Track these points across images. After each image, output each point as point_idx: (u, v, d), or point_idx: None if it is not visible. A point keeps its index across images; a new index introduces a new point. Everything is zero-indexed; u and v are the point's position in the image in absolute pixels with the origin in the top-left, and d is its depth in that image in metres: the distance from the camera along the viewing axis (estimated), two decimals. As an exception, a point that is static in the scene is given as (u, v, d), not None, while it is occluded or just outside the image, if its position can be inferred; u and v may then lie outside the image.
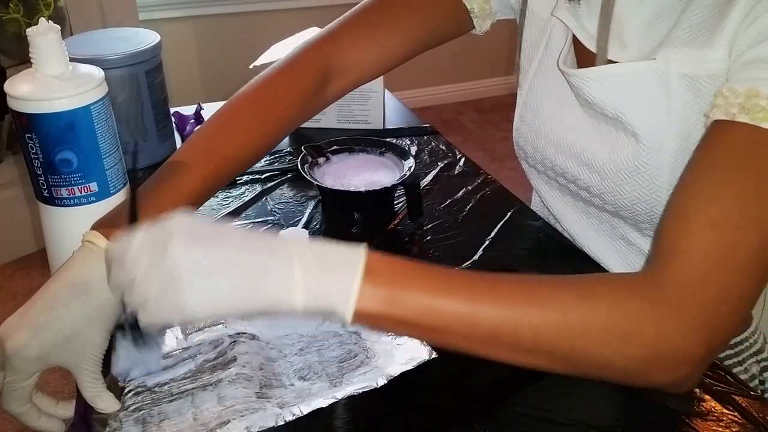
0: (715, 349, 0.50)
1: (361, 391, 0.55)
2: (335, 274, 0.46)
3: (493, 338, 0.47)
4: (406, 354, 0.58)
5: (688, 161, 0.54)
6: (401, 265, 0.48)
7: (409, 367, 0.57)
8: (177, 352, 0.59)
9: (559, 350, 0.48)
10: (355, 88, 0.76)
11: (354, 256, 0.46)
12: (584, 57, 0.68)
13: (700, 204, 0.50)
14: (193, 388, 0.55)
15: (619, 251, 0.75)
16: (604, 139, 0.67)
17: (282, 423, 0.52)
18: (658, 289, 0.48)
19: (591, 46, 0.66)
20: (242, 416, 0.52)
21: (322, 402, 0.54)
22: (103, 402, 0.53)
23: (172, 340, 0.60)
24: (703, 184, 0.51)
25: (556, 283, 0.50)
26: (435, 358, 0.58)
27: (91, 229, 0.54)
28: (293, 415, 0.53)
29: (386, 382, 0.56)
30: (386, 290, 0.46)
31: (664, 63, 0.59)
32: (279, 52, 1.04)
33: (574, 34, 0.69)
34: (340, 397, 0.54)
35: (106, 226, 0.55)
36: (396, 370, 0.57)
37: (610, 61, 0.64)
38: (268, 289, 0.45)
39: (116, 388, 0.55)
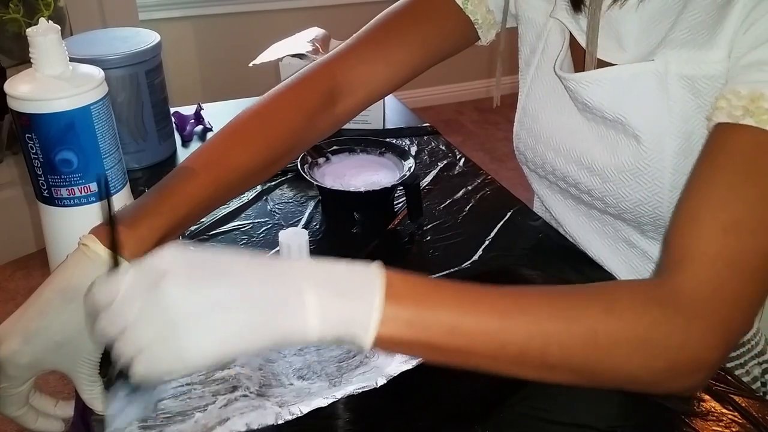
0: (728, 352, 0.50)
1: (360, 390, 0.55)
2: (352, 297, 0.42)
3: (520, 357, 0.46)
4: None
5: (694, 165, 0.54)
6: (421, 284, 0.45)
7: (409, 366, 0.57)
8: None
9: (586, 366, 0.47)
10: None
11: (370, 276, 0.43)
12: (581, 61, 0.68)
13: (710, 209, 0.50)
14: (192, 389, 0.55)
15: (621, 254, 0.75)
16: (604, 142, 0.67)
17: (281, 422, 0.52)
18: (677, 297, 0.48)
19: None
20: (242, 413, 0.52)
21: (322, 401, 0.54)
22: (102, 404, 0.53)
23: None
24: (712, 189, 0.50)
25: (579, 295, 0.49)
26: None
27: (90, 232, 0.53)
28: (292, 414, 0.53)
29: (386, 381, 0.56)
30: (408, 312, 0.43)
31: (663, 64, 0.59)
32: (279, 51, 1.04)
33: (569, 40, 0.69)
34: (339, 397, 0.54)
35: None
36: (395, 369, 0.57)
37: (609, 64, 0.64)
38: (278, 321, 0.41)
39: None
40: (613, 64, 0.64)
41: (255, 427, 0.51)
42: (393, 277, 0.44)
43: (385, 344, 0.44)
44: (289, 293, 0.42)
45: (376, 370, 0.57)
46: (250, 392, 0.54)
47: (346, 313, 0.42)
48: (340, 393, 0.54)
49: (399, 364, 0.57)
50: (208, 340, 0.40)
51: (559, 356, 0.46)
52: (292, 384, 0.56)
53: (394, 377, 0.56)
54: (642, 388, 0.51)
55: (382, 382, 0.55)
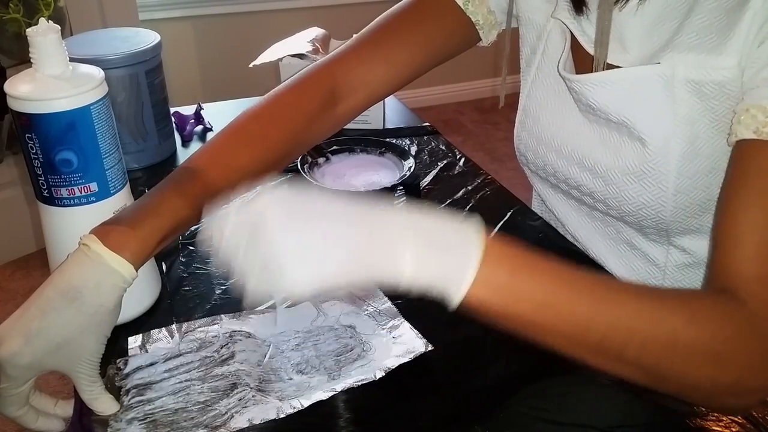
0: None
1: (359, 383, 0.55)
2: (449, 254, 0.43)
3: (599, 346, 0.47)
4: (402, 347, 0.59)
5: (724, 183, 0.54)
6: (519, 253, 0.46)
7: (406, 359, 0.57)
8: (173, 352, 0.59)
9: (658, 367, 0.48)
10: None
11: (470, 235, 0.44)
12: (582, 62, 0.68)
13: (754, 230, 0.50)
14: (191, 386, 0.55)
15: (623, 255, 0.75)
16: (607, 144, 0.67)
17: (283, 416, 0.52)
18: (751, 318, 0.49)
19: (592, 50, 0.66)
20: (244, 407, 0.53)
21: (322, 395, 0.54)
22: (102, 404, 0.53)
23: (166, 342, 0.60)
24: (752, 210, 0.50)
25: (665, 299, 0.49)
26: (431, 350, 0.58)
27: (91, 232, 0.53)
28: (293, 408, 0.53)
29: (384, 374, 0.56)
30: (502, 278, 0.44)
31: (670, 68, 0.59)
32: (279, 52, 1.04)
33: (570, 40, 0.68)
34: (339, 390, 0.54)
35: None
36: (393, 362, 0.57)
37: (612, 66, 0.64)
38: (373, 264, 0.43)
39: (114, 389, 0.55)
40: (615, 66, 0.64)
41: (257, 422, 0.51)
42: (492, 240, 0.45)
43: (473, 305, 0.44)
44: (386, 240, 0.43)
45: (373, 363, 0.57)
46: (250, 388, 0.55)
47: (440, 269, 0.43)
48: (340, 386, 0.55)
49: (396, 357, 0.58)
50: (307, 275, 0.43)
51: (636, 353, 0.47)
52: (291, 379, 0.57)
53: (395, 377, 0.56)
54: (700, 399, 0.52)
55: (380, 375, 0.56)
